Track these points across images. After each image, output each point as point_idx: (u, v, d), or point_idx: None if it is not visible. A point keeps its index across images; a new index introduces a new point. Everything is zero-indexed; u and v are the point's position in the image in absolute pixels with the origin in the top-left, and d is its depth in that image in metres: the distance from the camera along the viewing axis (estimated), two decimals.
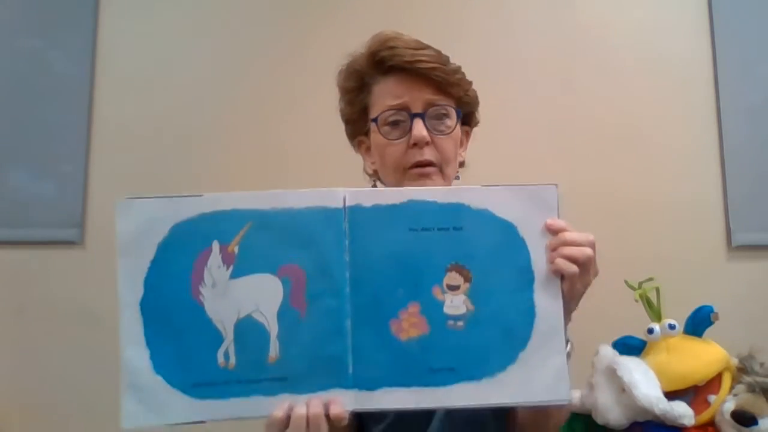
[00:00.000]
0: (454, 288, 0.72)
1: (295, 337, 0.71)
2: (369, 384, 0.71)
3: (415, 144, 0.87)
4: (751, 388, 0.74)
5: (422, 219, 0.73)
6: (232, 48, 1.72)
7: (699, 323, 0.81)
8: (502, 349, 0.72)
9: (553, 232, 0.73)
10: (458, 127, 0.92)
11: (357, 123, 0.97)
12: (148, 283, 0.71)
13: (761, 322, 1.50)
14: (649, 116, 1.67)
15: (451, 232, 0.73)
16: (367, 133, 0.95)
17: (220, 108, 1.69)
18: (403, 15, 1.69)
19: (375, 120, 0.90)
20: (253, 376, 0.70)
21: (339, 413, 0.68)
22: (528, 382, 0.71)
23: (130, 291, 0.71)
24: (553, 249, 0.72)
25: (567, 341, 0.76)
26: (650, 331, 0.82)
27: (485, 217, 0.73)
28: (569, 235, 0.72)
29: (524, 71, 1.68)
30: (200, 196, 0.72)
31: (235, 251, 0.71)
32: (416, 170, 0.88)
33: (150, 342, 0.70)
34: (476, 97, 0.98)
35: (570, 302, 0.74)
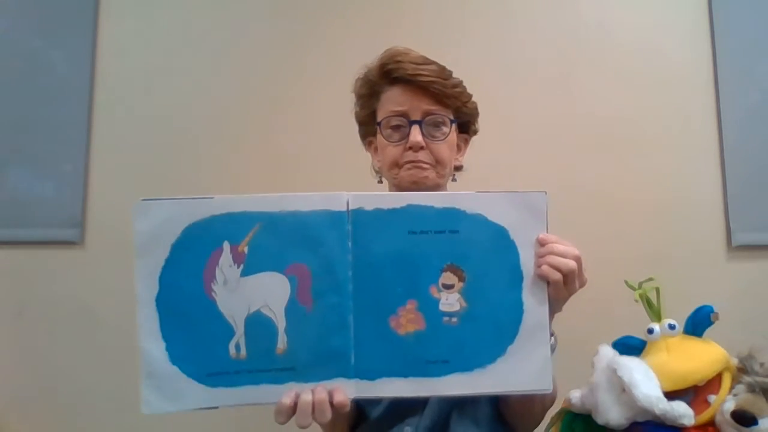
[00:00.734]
0: (449, 287, 0.79)
1: (301, 331, 0.77)
2: (369, 374, 0.77)
3: (410, 147, 0.97)
4: (751, 388, 0.74)
5: (421, 222, 0.78)
6: (232, 48, 1.72)
7: (699, 323, 0.81)
8: (492, 342, 0.79)
9: (543, 244, 0.80)
10: (453, 134, 1.02)
11: (367, 125, 1.08)
12: (163, 280, 0.76)
13: (761, 322, 1.50)
14: (649, 116, 1.67)
15: (447, 235, 0.79)
16: (375, 135, 1.06)
17: (220, 108, 1.69)
18: (404, 16, 1.70)
19: (379, 123, 1.02)
20: (263, 366, 0.76)
21: (342, 400, 0.75)
22: (515, 372, 0.78)
23: (147, 288, 0.76)
24: (541, 256, 0.79)
25: (551, 335, 0.83)
26: (650, 331, 0.82)
27: (479, 221, 0.79)
28: (556, 247, 0.79)
29: (524, 71, 1.68)
30: (211, 198, 0.77)
31: (245, 251, 0.77)
32: (411, 163, 0.98)
33: (166, 335, 0.76)
34: (475, 109, 1.08)
35: (555, 304, 0.82)
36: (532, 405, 0.94)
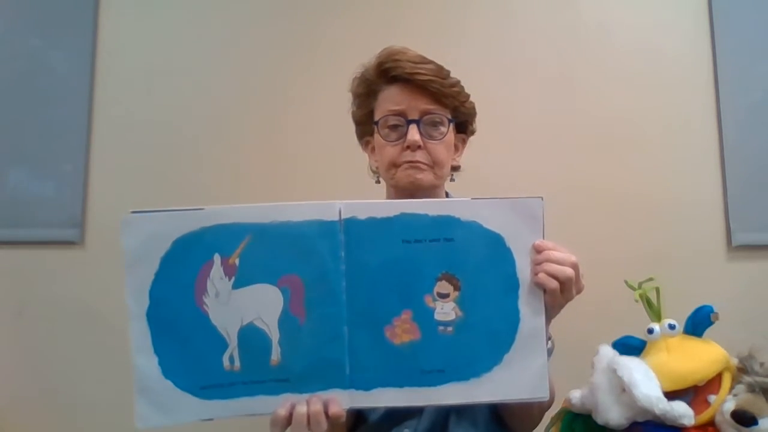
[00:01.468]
0: (444, 296, 0.78)
1: (295, 343, 0.76)
2: (365, 384, 0.76)
3: (408, 147, 0.96)
4: (751, 388, 0.74)
5: (415, 231, 0.77)
6: (232, 48, 1.71)
7: (699, 323, 0.81)
8: (488, 351, 0.78)
9: (540, 251, 0.78)
10: (451, 133, 1.00)
11: (364, 125, 1.07)
12: (153, 294, 0.75)
13: (761, 322, 1.50)
14: (649, 116, 1.66)
15: (442, 243, 0.77)
16: (373, 134, 1.04)
17: (220, 107, 1.69)
18: (404, 16, 1.69)
19: (377, 122, 1.00)
20: (257, 377, 0.75)
21: (337, 412, 0.74)
22: (511, 381, 0.77)
23: (137, 302, 0.75)
24: (537, 264, 0.78)
25: (549, 338, 0.82)
26: (650, 331, 0.82)
27: (474, 228, 0.78)
28: (553, 254, 0.78)
29: (524, 71, 1.68)
30: (201, 209, 0.76)
31: (236, 263, 0.76)
32: (408, 164, 0.97)
33: (158, 349, 0.75)
34: (473, 109, 1.06)
35: (551, 311, 0.81)
36: (531, 407, 0.93)
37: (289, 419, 0.74)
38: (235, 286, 0.75)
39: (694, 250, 1.61)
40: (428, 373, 0.77)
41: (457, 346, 0.77)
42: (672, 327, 0.81)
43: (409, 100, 0.97)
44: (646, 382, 0.74)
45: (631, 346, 0.84)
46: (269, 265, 0.76)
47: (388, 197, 1.05)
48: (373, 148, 1.05)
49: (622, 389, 0.75)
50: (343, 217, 0.76)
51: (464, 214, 0.78)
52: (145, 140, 1.69)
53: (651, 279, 0.84)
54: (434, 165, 0.98)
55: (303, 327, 0.75)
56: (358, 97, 1.06)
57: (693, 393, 0.76)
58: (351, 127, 1.11)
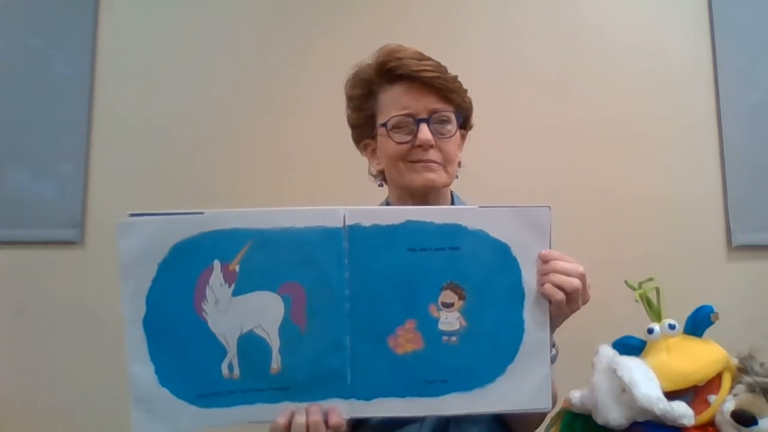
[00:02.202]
0: (448, 305, 0.76)
1: (295, 351, 0.74)
2: (366, 394, 0.75)
3: (420, 146, 0.93)
4: (751, 388, 0.74)
5: (420, 239, 0.76)
6: (232, 47, 1.72)
7: (699, 323, 0.81)
8: (492, 362, 0.76)
9: (546, 261, 0.77)
10: (457, 130, 0.98)
11: (364, 128, 1.02)
12: (150, 301, 0.73)
13: (761, 322, 1.50)
14: (649, 116, 1.67)
15: (448, 252, 0.76)
16: (373, 137, 1.01)
17: (220, 107, 1.69)
18: (404, 16, 1.70)
19: (384, 124, 0.96)
20: (257, 385, 0.74)
21: (337, 422, 0.73)
22: (514, 392, 0.76)
23: (133, 309, 0.73)
24: (544, 274, 0.77)
25: (553, 345, 0.82)
26: (650, 331, 0.82)
27: (481, 237, 0.76)
28: (560, 264, 0.76)
29: (524, 70, 1.68)
30: (201, 213, 0.74)
31: (236, 270, 0.74)
32: (421, 163, 0.94)
33: (154, 357, 0.73)
34: (471, 103, 1.04)
35: (556, 321, 0.79)
36: (533, 413, 0.91)
37: (288, 428, 0.73)
38: (235, 294, 0.73)
39: (694, 250, 1.61)
40: (431, 383, 0.76)
41: (460, 356, 0.76)
42: (672, 327, 0.81)
43: (417, 100, 0.94)
44: (646, 382, 0.74)
45: (631, 346, 0.84)
46: (270, 272, 0.74)
47: (392, 197, 1.03)
48: (373, 151, 1.02)
49: (622, 389, 0.75)
50: (347, 223, 0.74)
51: (471, 222, 0.76)
52: (145, 140, 1.69)
53: (651, 279, 0.84)
54: (446, 163, 0.96)
55: (304, 335, 0.74)
56: (354, 100, 1.01)
57: (693, 393, 0.76)
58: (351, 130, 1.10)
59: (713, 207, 1.64)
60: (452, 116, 0.97)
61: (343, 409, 0.74)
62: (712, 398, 0.75)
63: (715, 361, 0.77)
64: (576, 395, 0.82)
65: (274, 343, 0.74)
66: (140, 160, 1.67)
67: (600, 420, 0.77)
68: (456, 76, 0.99)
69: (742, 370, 0.78)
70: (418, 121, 0.94)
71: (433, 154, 0.94)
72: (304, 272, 0.74)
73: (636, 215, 1.62)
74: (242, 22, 1.73)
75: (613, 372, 0.77)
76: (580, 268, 0.77)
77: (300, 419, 0.72)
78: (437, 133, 0.95)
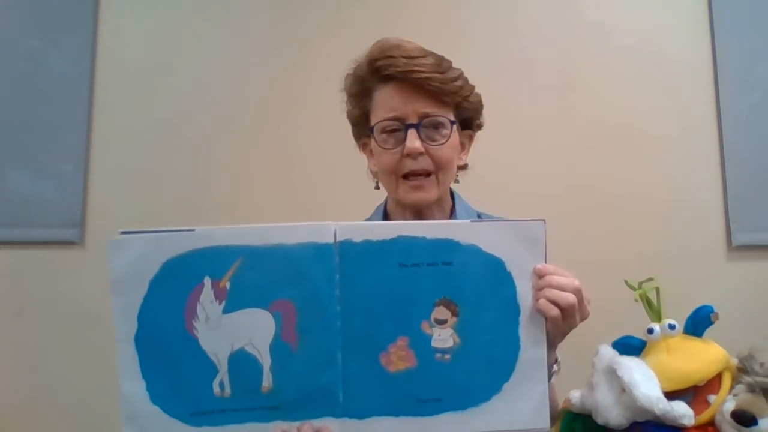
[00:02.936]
0: (441, 322, 0.74)
1: (287, 369, 0.73)
2: (358, 413, 0.74)
3: (408, 154, 0.89)
4: (751, 388, 0.74)
5: (412, 255, 0.74)
6: (232, 47, 1.72)
7: (699, 323, 0.81)
8: (487, 380, 0.75)
9: (541, 276, 0.75)
10: (455, 134, 0.93)
11: (361, 126, 0.99)
12: (141, 318, 0.72)
13: (761, 322, 1.50)
14: (649, 116, 1.67)
15: (440, 267, 0.74)
16: (370, 136, 0.97)
17: (220, 107, 1.69)
18: (404, 16, 1.70)
19: (372, 128, 0.93)
20: (248, 404, 0.73)
21: None
22: (510, 410, 0.75)
23: (125, 326, 0.72)
24: (539, 289, 0.74)
25: (556, 361, 0.81)
26: (650, 331, 0.82)
27: (474, 252, 0.74)
28: (555, 279, 0.74)
29: (524, 71, 1.68)
30: (192, 230, 0.73)
31: (226, 287, 0.73)
32: (410, 182, 0.91)
33: (146, 374, 0.72)
34: (479, 102, 0.99)
35: (555, 338, 0.78)
36: None
37: None
38: (226, 311, 0.73)
39: (694, 251, 1.61)
40: (425, 402, 0.74)
41: (454, 374, 0.74)
42: (672, 327, 0.81)
43: (406, 103, 0.88)
44: (646, 382, 0.74)
45: (631, 346, 0.84)
46: (261, 289, 0.73)
47: (389, 204, 1.01)
48: (371, 150, 0.98)
49: (622, 389, 0.75)
50: (338, 239, 0.73)
51: (464, 237, 0.74)
52: (145, 140, 1.69)
53: (651, 279, 0.84)
54: (438, 171, 0.91)
55: (295, 353, 0.73)
56: (352, 97, 0.98)
57: (693, 393, 0.76)
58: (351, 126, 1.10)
59: (713, 207, 1.64)
60: (446, 120, 0.91)
61: (335, 429, 0.73)
62: (712, 398, 0.75)
63: (715, 361, 0.77)
64: (576, 395, 0.82)
65: (265, 361, 0.73)
66: (140, 160, 1.67)
67: (600, 420, 0.77)
68: (459, 74, 0.94)
69: (742, 370, 0.77)
70: (407, 127, 0.89)
71: (422, 162, 0.89)
72: (294, 289, 0.73)
73: (636, 216, 1.62)
74: (242, 22, 1.73)
75: (613, 372, 0.77)
76: (576, 283, 0.75)
77: None
78: (428, 139, 0.90)
